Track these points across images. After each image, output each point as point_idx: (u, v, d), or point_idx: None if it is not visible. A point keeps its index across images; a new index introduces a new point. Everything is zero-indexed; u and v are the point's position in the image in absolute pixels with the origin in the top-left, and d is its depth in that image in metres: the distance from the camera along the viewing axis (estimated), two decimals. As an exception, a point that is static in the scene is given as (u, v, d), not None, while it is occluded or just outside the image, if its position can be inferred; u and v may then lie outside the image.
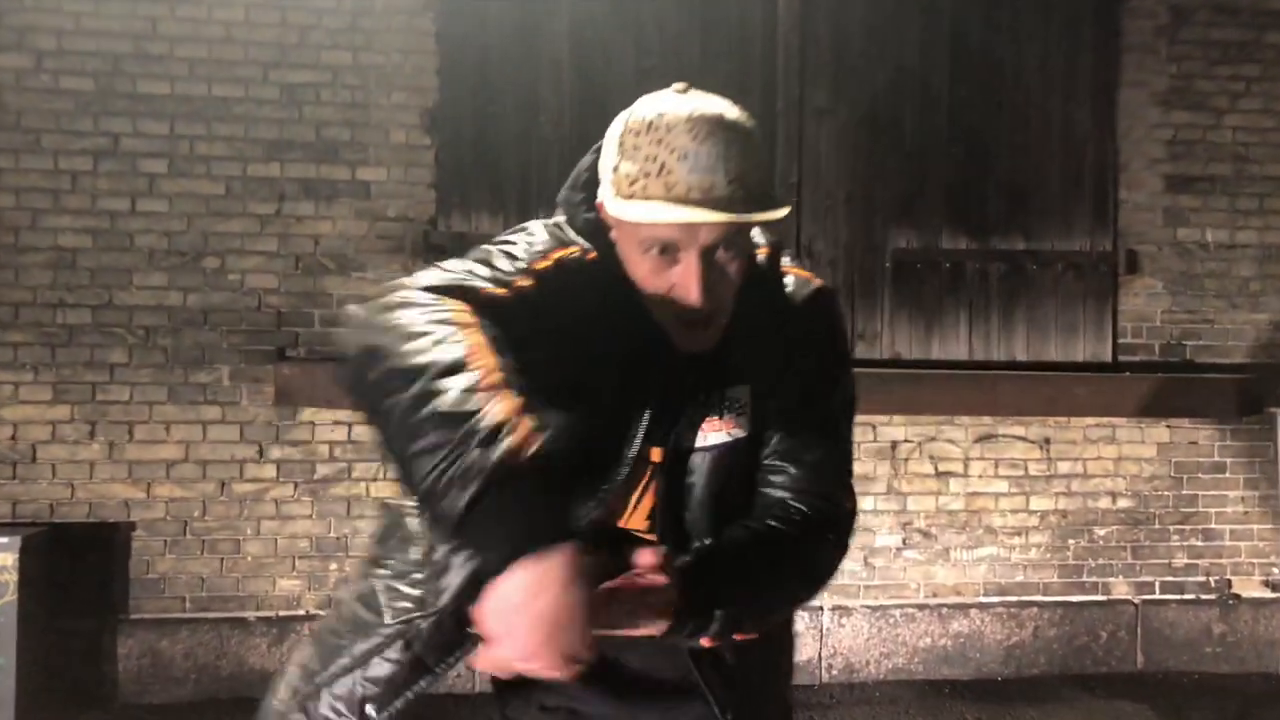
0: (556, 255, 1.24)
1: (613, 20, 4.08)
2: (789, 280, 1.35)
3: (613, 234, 1.25)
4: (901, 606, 4.21)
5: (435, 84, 4.00)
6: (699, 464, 1.29)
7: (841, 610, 4.16)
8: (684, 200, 1.14)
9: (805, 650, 4.08)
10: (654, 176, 1.16)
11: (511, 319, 1.13)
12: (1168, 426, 4.38)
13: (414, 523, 1.32)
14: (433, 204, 4.02)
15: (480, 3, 4.04)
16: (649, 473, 1.28)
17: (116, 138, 3.85)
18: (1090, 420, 4.31)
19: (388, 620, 1.29)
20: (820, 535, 1.28)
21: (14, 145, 3.78)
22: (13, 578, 3.41)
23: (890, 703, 3.98)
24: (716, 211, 1.14)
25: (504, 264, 1.21)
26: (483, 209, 4.06)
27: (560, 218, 1.31)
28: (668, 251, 1.19)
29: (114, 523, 3.82)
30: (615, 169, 1.20)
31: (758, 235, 1.33)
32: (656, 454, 1.28)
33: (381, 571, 1.34)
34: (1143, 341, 4.39)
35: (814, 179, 4.24)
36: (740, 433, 1.29)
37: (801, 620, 4.02)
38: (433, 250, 3.95)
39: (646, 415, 1.25)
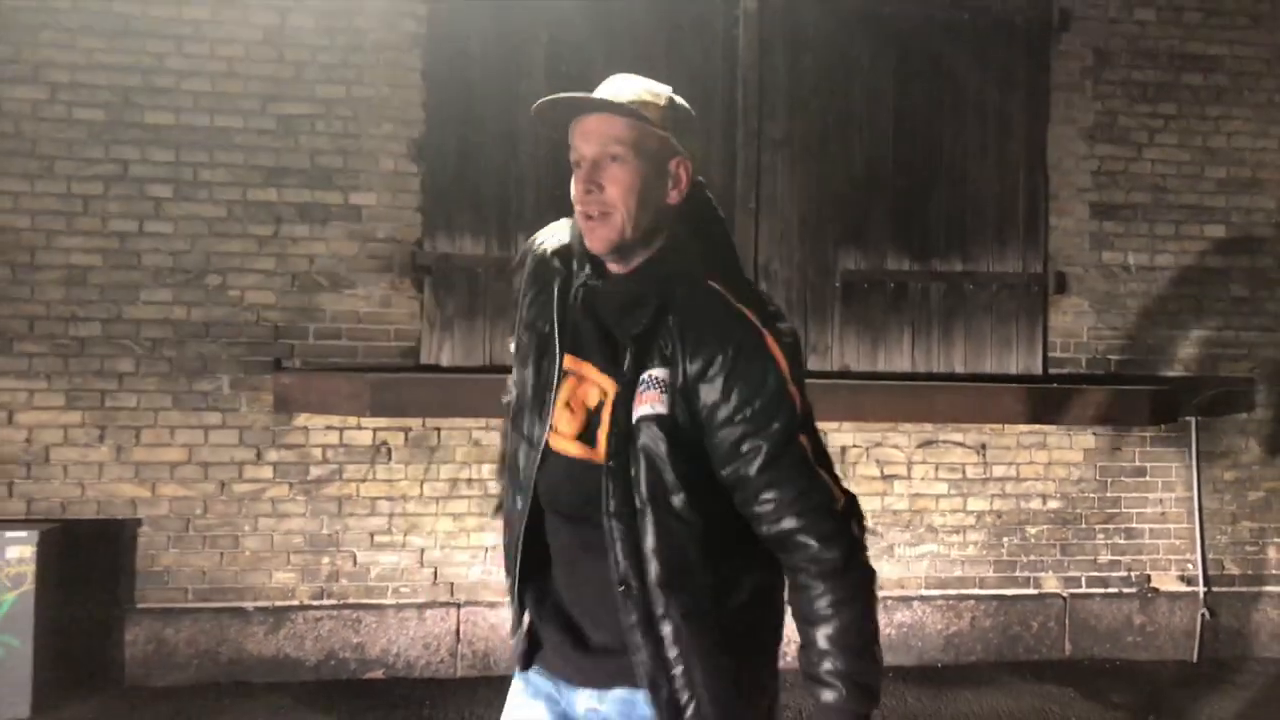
0: None
1: (586, 60, 4.31)
2: (718, 306, 1.40)
3: None
4: (849, 599, 4.45)
5: (421, 116, 4.21)
6: (641, 431, 1.38)
7: (794, 602, 4.40)
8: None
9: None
10: None
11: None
12: (1094, 434, 4.62)
13: None
14: (419, 227, 4.24)
15: (464, 42, 4.27)
16: (566, 379, 1.46)
17: (126, 164, 4.02)
18: (1023, 427, 4.52)
19: None
20: (802, 572, 1.41)
21: (30, 171, 3.96)
22: (30, 569, 3.64)
23: (837, 686, 4.23)
24: (587, 95, 1.40)
25: None
26: (465, 232, 4.30)
27: None
28: (580, 165, 1.44)
29: (122, 520, 3.97)
30: None
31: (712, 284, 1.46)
32: (569, 361, 1.46)
33: None
34: (1070, 355, 4.63)
35: (770, 205, 4.51)
36: (662, 409, 1.37)
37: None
38: (419, 269, 4.22)
39: (557, 327, 1.47)
